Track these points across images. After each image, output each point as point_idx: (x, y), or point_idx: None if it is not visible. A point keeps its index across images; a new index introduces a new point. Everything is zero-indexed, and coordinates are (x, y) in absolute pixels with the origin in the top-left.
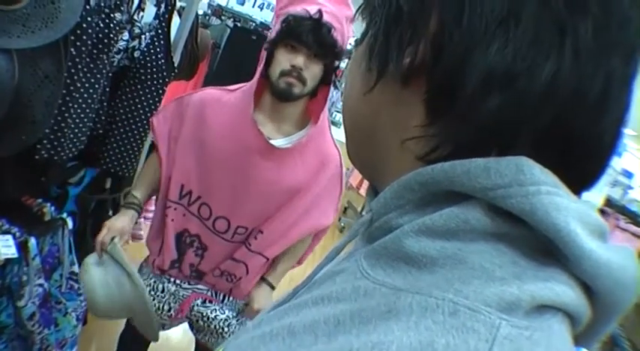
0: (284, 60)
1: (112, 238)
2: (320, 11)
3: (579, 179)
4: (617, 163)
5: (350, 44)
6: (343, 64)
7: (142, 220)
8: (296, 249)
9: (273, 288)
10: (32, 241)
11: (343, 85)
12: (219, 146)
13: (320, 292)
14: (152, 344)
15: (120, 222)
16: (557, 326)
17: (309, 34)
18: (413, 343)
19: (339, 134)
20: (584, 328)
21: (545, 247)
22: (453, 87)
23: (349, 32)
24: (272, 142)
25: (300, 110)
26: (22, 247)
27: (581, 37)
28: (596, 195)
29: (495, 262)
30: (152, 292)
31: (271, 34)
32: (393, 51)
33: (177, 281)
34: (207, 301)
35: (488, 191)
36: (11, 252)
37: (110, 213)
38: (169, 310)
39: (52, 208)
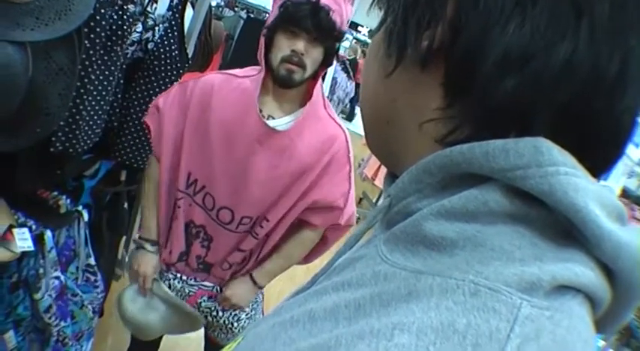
0: (284, 46)
1: (154, 280)
2: None
3: (597, 163)
4: (634, 153)
5: (359, 31)
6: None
7: None
8: (291, 248)
9: (255, 283)
10: (48, 233)
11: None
12: (223, 134)
13: (340, 278)
14: (165, 337)
15: (150, 266)
16: (578, 308)
17: (308, 19)
18: (434, 323)
19: (354, 125)
20: (604, 314)
21: (564, 229)
22: (471, 68)
23: (348, 12)
24: (270, 123)
25: (302, 91)
26: (38, 240)
27: (597, 17)
28: (613, 185)
29: (515, 243)
30: None
31: (269, 20)
32: (411, 35)
33: (184, 277)
34: (213, 297)
35: (506, 172)
36: (27, 245)
37: (125, 205)
38: None
39: (68, 200)
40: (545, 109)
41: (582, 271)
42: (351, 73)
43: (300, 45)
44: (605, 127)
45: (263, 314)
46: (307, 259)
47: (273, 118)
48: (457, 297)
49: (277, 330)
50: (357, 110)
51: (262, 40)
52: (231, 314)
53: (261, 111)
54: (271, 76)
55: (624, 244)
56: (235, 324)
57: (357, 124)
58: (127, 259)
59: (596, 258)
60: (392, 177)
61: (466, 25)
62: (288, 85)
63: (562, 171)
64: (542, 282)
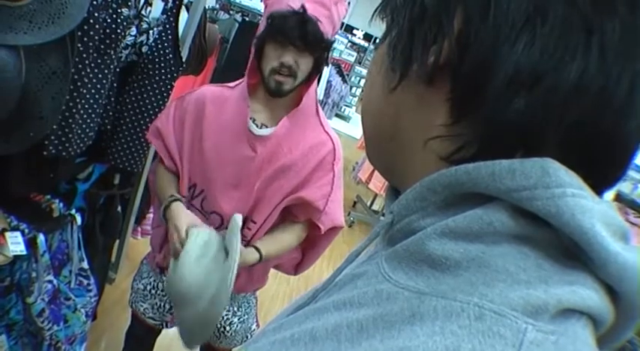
0: (273, 56)
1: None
2: (303, 6)
3: (601, 180)
4: None
5: (354, 34)
6: (352, 58)
7: (152, 215)
8: (281, 233)
9: (260, 254)
10: (41, 237)
11: (362, 86)
12: (217, 140)
13: (341, 296)
14: (159, 340)
15: (180, 217)
16: (582, 331)
17: (295, 31)
18: (439, 348)
19: (349, 128)
20: (606, 330)
21: (568, 250)
22: (479, 85)
23: (340, 13)
24: (263, 131)
25: (295, 99)
26: (30, 243)
27: (607, 37)
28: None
29: (520, 265)
30: (152, 291)
31: (259, 29)
32: (417, 50)
33: None
34: None
35: (512, 193)
36: (20, 249)
37: (119, 209)
38: (170, 309)
39: (61, 204)
40: (553, 129)
41: (587, 294)
42: (347, 77)
43: (288, 57)
44: (612, 147)
45: (256, 318)
46: (298, 269)
47: (267, 127)
48: (462, 321)
49: (277, 348)
50: (351, 112)
51: (253, 48)
52: (223, 318)
53: (254, 120)
54: (262, 84)
55: (630, 266)
56: (228, 328)
57: (352, 127)
58: (120, 263)
59: (600, 279)
60: (393, 192)
61: (475, 41)
62: (279, 95)
63: (569, 192)
64: (548, 306)
